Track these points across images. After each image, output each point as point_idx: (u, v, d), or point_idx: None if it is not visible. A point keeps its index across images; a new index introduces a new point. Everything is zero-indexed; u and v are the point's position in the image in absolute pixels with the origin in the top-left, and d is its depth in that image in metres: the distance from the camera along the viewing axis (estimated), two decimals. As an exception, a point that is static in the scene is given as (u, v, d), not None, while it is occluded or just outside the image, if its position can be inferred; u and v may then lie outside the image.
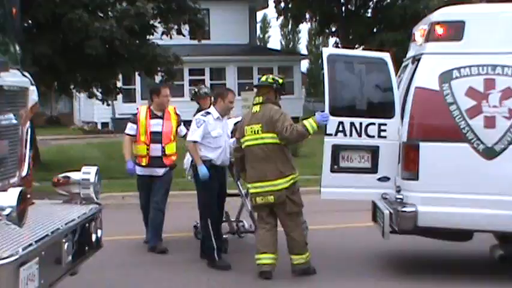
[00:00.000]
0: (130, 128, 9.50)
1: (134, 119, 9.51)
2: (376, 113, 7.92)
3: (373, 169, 7.82)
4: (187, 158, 9.40)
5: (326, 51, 7.93)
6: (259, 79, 8.21)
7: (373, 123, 7.80)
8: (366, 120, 7.80)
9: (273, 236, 7.97)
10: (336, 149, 7.77)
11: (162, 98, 9.52)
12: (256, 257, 7.92)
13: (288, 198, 7.81)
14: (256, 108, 7.98)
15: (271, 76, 8.28)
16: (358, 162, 7.82)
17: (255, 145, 7.88)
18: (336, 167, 7.79)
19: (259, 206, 8.00)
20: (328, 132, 7.74)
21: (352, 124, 7.76)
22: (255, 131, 7.88)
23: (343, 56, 8.42)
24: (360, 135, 7.79)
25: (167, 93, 9.62)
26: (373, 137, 7.80)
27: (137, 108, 9.72)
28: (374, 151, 7.82)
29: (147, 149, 9.34)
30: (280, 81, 8.14)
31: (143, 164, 9.41)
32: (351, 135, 7.78)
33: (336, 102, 7.81)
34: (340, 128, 7.75)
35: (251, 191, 8.00)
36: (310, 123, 7.69)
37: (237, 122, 8.76)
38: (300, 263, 7.89)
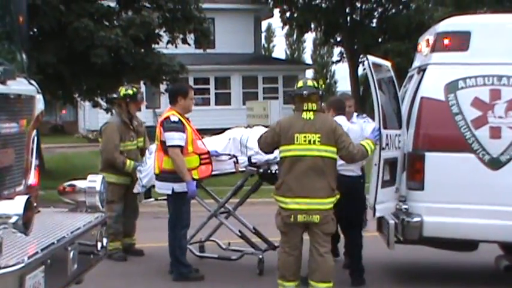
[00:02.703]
0: (181, 139, 8.06)
1: (181, 127, 8.11)
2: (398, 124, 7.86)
3: (393, 181, 7.71)
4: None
5: (370, 59, 7.38)
6: (299, 86, 7.32)
7: (399, 135, 7.70)
8: (397, 132, 7.69)
9: (300, 262, 7.24)
10: (384, 163, 7.41)
11: (189, 100, 8.37)
12: (280, 282, 7.26)
13: (331, 219, 7.13)
14: (310, 115, 7.12)
15: (312, 80, 7.56)
16: (387, 175, 7.52)
17: (308, 156, 7.03)
18: (382, 182, 7.39)
19: (294, 226, 7.11)
20: (383, 146, 7.32)
21: (390, 136, 7.49)
22: (310, 141, 7.02)
23: (378, 64, 7.91)
24: (395, 147, 7.61)
25: (193, 95, 8.58)
26: (397, 148, 7.65)
27: (173, 115, 8.18)
28: (394, 162, 7.68)
29: (202, 159, 8.25)
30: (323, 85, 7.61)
31: (196, 176, 8.18)
32: (391, 147, 7.52)
33: (385, 113, 7.49)
34: (387, 141, 7.41)
35: (291, 206, 7.03)
36: (368, 144, 7.21)
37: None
38: None
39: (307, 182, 6.99)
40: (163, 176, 8.20)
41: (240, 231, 8.91)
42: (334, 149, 7.09)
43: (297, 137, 7.05)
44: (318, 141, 7.02)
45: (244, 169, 8.52)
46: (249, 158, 8.47)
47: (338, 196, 7.14)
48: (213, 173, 8.68)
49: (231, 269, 8.81)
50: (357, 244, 8.25)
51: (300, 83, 7.39)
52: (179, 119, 8.13)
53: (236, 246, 9.17)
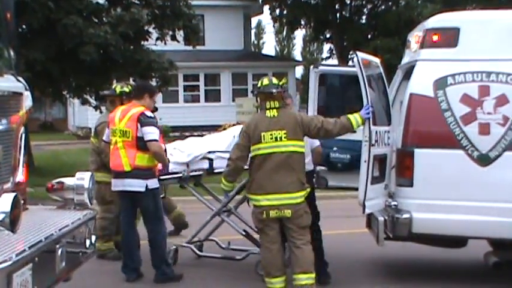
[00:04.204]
0: (158, 134, 8.02)
1: (156, 123, 8.06)
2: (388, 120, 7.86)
3: (382, 178, 7.70)
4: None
5: (360, 55, 7.35)
6: (264, 84, 7.36)
7: (388, 131, 7.69)
8: (386, 128, 7.68)
9: (283, 257, 7.31)
10: (373, 159, 7.34)
11: (153, 101, 8.29)
12: (267, 280, 7.26)
13: (304, 212, 7.16)
14: (273, 112, 7.19)
15: (273, 78, 7.53)
16: (376, 171, 7.47)
17: (276, 153, 7.09)
18: (371, 178, 7.35)
19: (268, 222, 7.16)
20: (372, 142, 7.23)
21: (380, 133, 7.45)
22: (276, 138, 7.08)
23: (368, 60, 7.85)
24: (384, 144, 7.59)
25: (156, 98, 8.61)
26: (386, 145, 7.64)
27: (146, 109, 8.05)
28: (384, 159, 7.67)
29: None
30: (286, 83, 7.55)
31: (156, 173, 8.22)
32: (380, 144, 7.48)
33: (375, 110, 7.37)
34: (376, 138, 7.36)
35: (263, 203, 7.10)
36: (355, 117, 7.12)
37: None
38: (309, 283, 7.11)
39: (277, 178, 7.06)
40: (135, 173, 7.91)
41: (244, 230, 8.80)
42: (302, 143, 7.18)
43: (264, 136, 7.13)
44: (285, 137, 7.09)
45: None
46: None
47: (309, 189, 7.23)
48: (217, 170, 8.60)
49: (229, 268, 8.79)
50: (316, 238, 8.01)
51: (260, 82, 7.45)
52: (154, 116, 8.04)
53: (235, 245, 9.06)
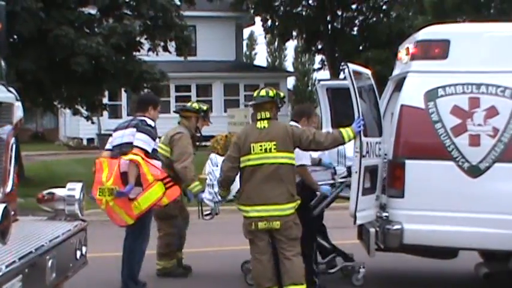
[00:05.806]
0: (149, 144, 7.78)
1: (154, 134, 7.88)
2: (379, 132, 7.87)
3: (373, 189, 7.69)
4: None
5: (351, 66, 7.31)
6: (258, 96, 7.39)
7: (380, 142, 7.69)
8: (377, 139, 7.68)
9: (273, 267, 7.22)
10: (364, 171, 7.33)
11: (157, 112, 8.16)
12: None
13: (294, 223, 7.11)
14: (264, 124, 7.17)
15: (267, 89, 7.46)
16: (367, 182, 7.47)
17: (265, 164, 7.06)
18: (363, 189, 7.33)
19: (257, 233, 7.11)
20: (363, 153, 7.23)
21: (371, 144, 7.45)
22: (266, 149, 7.05)
23: (359, 71, 7.84)
24: (376, 155, 7.60)
25: (159, 107, 8.33)
26: (377, 156, 7.64)
27: (149, 119, 7.96)
28: (375, 170, 7.68)
29: (165, 184, 7.81)
30: (282, 94, 7.57)
31: (166, 202, 7.93)
32: (371, 155, 7.48)
33: (366, 121, 7.34)
34: (367, 149, 7.35)
35: (251, 214, 7.06)
36: (346, 131, 7.14)
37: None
38: None
39: (266, 190, 7.02)
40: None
41: (331, 244, 8.72)
42: (292, 155, 7.15)
43: (253, 147, 7.10)
44: (274, 149, 7.06)
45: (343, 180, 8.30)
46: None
47: (299, 201, 7.17)
48: None
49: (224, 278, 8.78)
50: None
51: (263, 92, 7.42)
52: (154, 125, 7.91)
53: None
